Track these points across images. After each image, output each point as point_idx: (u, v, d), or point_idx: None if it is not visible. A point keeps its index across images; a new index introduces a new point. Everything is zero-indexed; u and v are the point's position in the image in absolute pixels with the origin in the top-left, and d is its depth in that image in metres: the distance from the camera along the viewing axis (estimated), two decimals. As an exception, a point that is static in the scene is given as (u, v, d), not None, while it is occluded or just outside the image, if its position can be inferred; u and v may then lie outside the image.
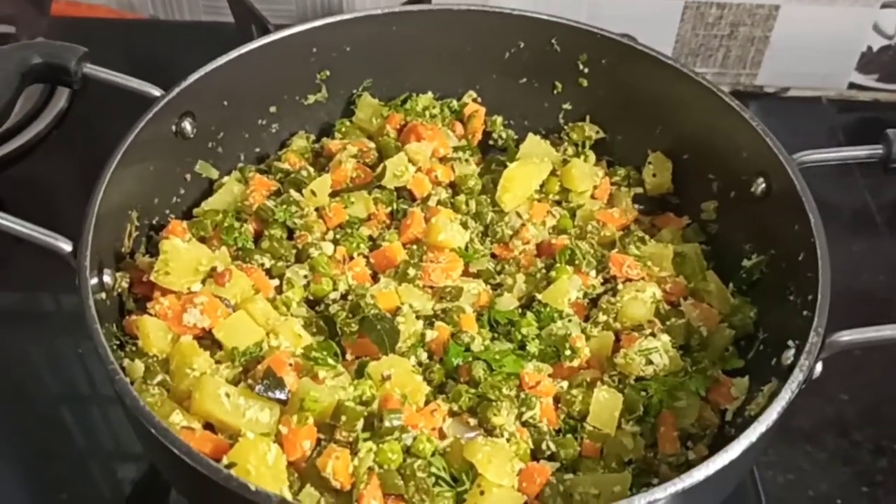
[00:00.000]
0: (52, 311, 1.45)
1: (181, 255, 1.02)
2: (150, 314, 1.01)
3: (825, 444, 1.27)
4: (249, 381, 0.96)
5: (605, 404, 0.99)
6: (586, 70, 1.33)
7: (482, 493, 0.89)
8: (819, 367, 0.91)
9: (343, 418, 0.92)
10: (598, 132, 1.31)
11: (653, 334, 1.04)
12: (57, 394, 1.30)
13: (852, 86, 2.18)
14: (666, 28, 1.71)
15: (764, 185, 1.11)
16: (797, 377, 0.88)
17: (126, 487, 1.21)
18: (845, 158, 1.14)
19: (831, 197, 1.91)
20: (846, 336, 0.92)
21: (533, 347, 1.05)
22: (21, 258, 1.49)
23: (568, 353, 1.03)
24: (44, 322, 1.42)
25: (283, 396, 0.94)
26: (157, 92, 1.12)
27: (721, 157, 1.19)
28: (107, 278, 1.00)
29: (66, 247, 0.94)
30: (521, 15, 1.27)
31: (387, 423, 0.92)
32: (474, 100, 1.34)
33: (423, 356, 1.05)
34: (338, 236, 1.16)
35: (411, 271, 1.11)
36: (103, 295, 0.98)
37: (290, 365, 0.97)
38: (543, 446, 0.98)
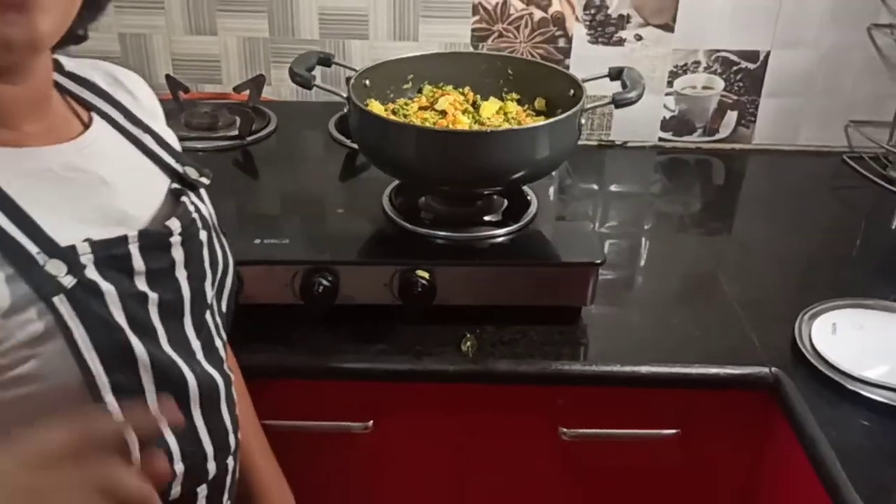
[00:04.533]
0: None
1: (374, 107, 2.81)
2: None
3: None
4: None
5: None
6: (512, 73, 2.61)
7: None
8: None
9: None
10: (518, 95, 2.62)
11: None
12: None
13: (660, 139, 3.32)
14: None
15: (573, 92, 2.38)
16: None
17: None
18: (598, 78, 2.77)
19: (660, 208, 3.04)
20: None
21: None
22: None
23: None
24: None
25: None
26: (356, 70, 2.89)
27: (562, 90, 2.42)
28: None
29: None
30: (487, 54, 3.00)
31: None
32: (469, 88, 2.65)
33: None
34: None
35: (450, 125, 2.91)
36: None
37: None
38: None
